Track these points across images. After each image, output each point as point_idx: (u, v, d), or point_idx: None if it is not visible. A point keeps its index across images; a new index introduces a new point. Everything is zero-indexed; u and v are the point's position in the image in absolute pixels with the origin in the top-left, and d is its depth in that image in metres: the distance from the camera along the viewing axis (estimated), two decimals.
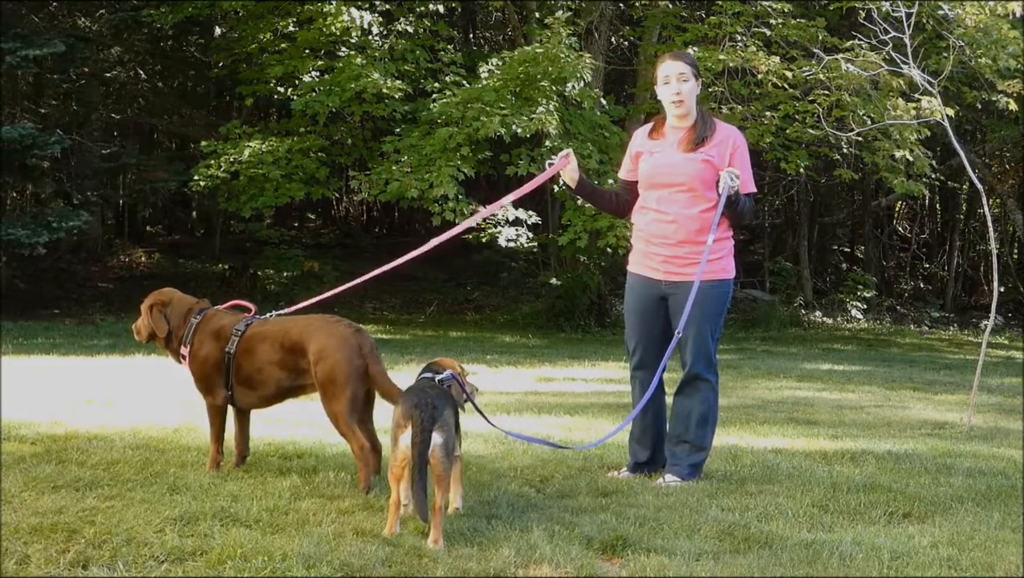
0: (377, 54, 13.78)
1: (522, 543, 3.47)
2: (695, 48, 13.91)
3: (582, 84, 13.43)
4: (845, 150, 15.15)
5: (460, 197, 13.14)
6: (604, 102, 14.75)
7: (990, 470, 5.07)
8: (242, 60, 15.51)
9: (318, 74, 14.21)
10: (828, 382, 9.50)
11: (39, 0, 15.97)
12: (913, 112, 10.55)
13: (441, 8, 15.45)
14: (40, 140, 13.35)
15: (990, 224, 8.45)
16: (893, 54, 8.28)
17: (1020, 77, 11.18)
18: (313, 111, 13.57)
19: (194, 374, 4.54)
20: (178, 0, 14.73)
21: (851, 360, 12.19)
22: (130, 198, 19.02)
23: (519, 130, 12.62)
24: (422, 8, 15.09)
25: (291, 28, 14.63)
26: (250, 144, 13.80)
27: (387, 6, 15.05)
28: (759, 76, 13.26)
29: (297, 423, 5.72)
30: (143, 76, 19.14)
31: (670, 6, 15.72)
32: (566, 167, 4.78)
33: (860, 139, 13.56)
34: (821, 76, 12.46)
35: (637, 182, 4.78)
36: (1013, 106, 12.45)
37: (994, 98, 13.03)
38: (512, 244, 14.16)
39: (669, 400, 4.89)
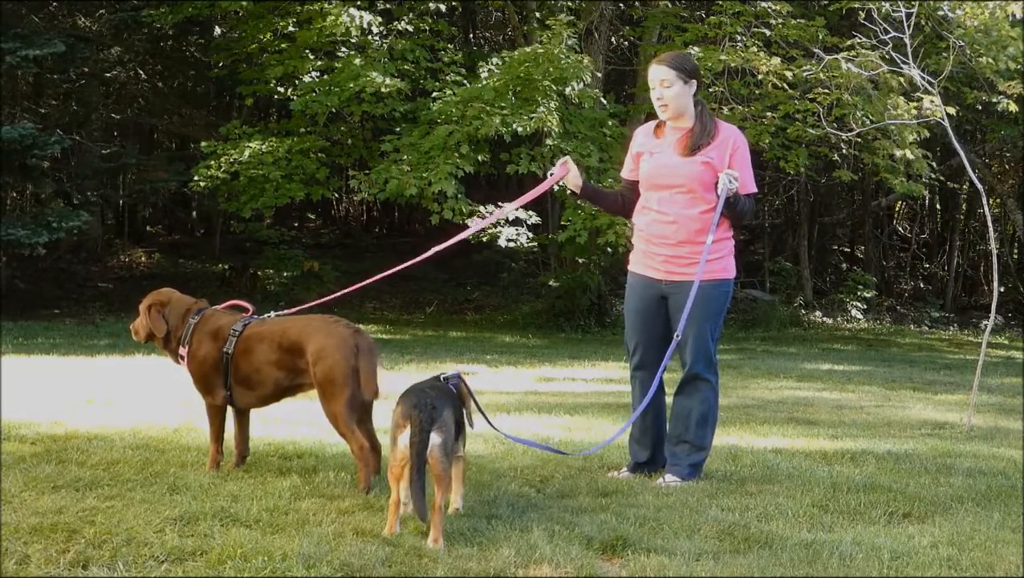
0: (376, 54, 13.77)
1: (522, 543, 3.47)
2: (695, 48, 13.92)
3: (581, 85, 13.43)
4: (845, 150, 15.15)
5: (459, 196, 13.14)
6: (604, 101, 14.75)
7: (990, 470, 5.07)
8: (242, 60, 15.51)
9: (318, 74, 14.22)
10: (828, 382, 9.50)
11: (39, 0, 15.97)
12: (914, 112, 10.55)
13: (443, 7, 15.45)
14: (40, 140, 13.35)
15: (990, 224, 8.44)
16: (893, 54, 8.28)
17: (1020, 78, 11.18)
18: (313, 111, 13.57)
19: (193, 374, 4.53)
20: (178, 0, 14.74)
21: (851, 360, 12.19)
22: (130, 198, 19.02)
23: (520, 129, 12.62)
24: (422, 7, 15.09)
25: (291, 28, 14.63)
26: (250, 144, 13.80)
27: (387, 5, 15.05)
28: (759, 76, 13.26)
29: (297, 423, 5.72)
30: (143, 76, 19.14)
31: (670, 6, 15.72)
32: (567, 174, 4.77)
33: (860, 140, 13.57)
34: (821, 76, 12.46)
35: (639, 181, 4.79)
36: (1013, 107, 12.44)
37: (994, 99, 13.03)
38: (512, 244, 14.16)
39: (669, 400, 4.89)
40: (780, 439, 5.91)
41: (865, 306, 19.14)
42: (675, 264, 4.63)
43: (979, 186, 8.74)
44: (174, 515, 3.65)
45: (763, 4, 13.75)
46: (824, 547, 3.55)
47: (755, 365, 10.83)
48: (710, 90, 14.01)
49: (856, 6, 12.65)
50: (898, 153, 13.46)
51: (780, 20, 13.69)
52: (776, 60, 13.12)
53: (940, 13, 12.07)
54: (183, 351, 4.51)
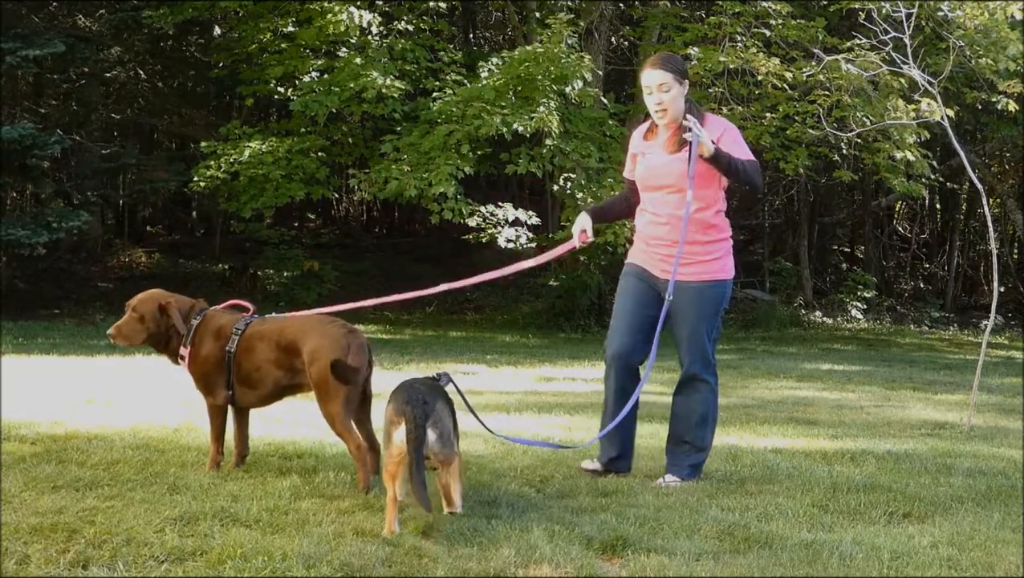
0: (376, 54, 13.77)
1: (522, 543, 3.47)
2: (695, 48, 13.92)
3: (581, 84, 13.44)
4: (845, 151, 15.15)
5: (459, 196, 13.15)
6: (605, 101, 14.75)
7: (990, 470, 5.06)
8: (242, 60, 15.51)
9: (318, 74, 14.22)
10: (828, 382, 9.50)
11: (39, 0, 15.97)
12: (913, 113, 10.55)
13: (444, 5, 15.45)
14: (40, 140, 13.35)
15: (990, 224, 8.44)
16: (893, 54, 8.28)
17: (1020, 79, 11.17)
18: (313, 111, 13.58)
19: (195, 374, 4.53)
20: (178, 0, 14.74)
21: (851, 360, 12.18)
22: (130, 198, 19.02)
23: (520, 128, 12.62)
24: (422, 7, 15.09)
25: (290, 28, 14.63)
26: (250, 144, 13.80)
27: (386, 8, 15.05)
28: (759, 77, 13.26)
29: (297, 423, 5.72)
30: (143, 76, 19.12)
31: (669, 6, 15.71)
32: (586, 236, 4.77)
33: (860, 140, 13.57)
34: (821, 76, 12.46)
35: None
36: (1013, 107, 12.44)
37: (994, 99, 13.03)
38: (512, 244, 14.17)
39: (653, 398, 4.86)
40: (780, 439, 5.91)
41: (865, 306, 19.14)
42: (671, 264, 4.58)
43: (979, 186, 8.74)
44: (174, 515, 3.65)
45: (763, 4, 13.75)
46: (824, 547, 3.55)
47: (755, 365, 10.83)
48: (710, 90, 14.02)
49: (856, 6, 12.65)
50: (899, 155, 13.47)
51: (780, 21, 13.69)
52: (776, 61, 13.12)
53: (940, 14, 12.06)
54: (184, 351, 4.50)
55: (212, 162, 13.87)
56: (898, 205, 24.20)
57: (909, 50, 7.81)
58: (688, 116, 4.49)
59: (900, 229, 25.01)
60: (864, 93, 12.93)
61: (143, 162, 17.08)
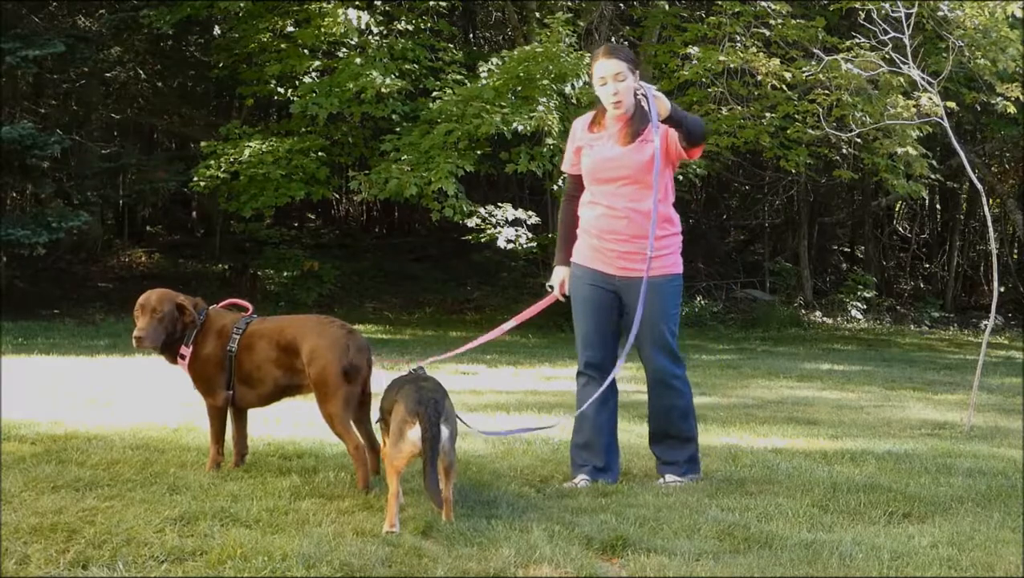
0: (377, 54, 13.78)
1: (522, 543, 3.46)
2: (695, 48, 13.93)
3: (581, 83, 13.44)
4: (845, 150, 15.15)
5: (459, 195, 13.14)
6: None
7: (990, 470, 5.06)
8: (242, 60, 15.51)
9: (317, 75, 14.21)
10: (828, 382, 9.50)
11: (39, 0, 15.97)
12: (913, 110, 10.55)
13: (444, 5, 15.45)
14: (40, 140, 13.35)
15: (990, 224, 8.44)
16: (893, 55, 8.28)
17: (1019, 80, 11.18)
18: (313, 112, 13.58)
19: (196, 374, 4.52)
20: (176, 0, 14.74)
21: (851, 360, 12.18)
22: (130, 198, 18.99)
23: (520, 128, 12.62)
24: (422, 7, 15.09)
25: (290, 28, 14.63)
26: (250, 144, 13.80)
27: (386, 7, 15.05)
28: (759, 77, 13.26)
29: (297, 423, 5.73)
30: (143, 76, 19.12)
31: (668, 7, 15.71)
32: (561, 283, 4.73)
33: (860, 140, 13.57)
34: (821, 76, 12.46)
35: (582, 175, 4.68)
36: (1012, 109, 12.43)
37: (993, 100, 13.03)
38: (512, 244, 14.17)
39: (624, 397, 4.84)
40: (780, 439, 5.91)
41: (865, 306, 19.14)
42: (629, 260, 4.49)
43: (979, 186, 8.74)
44: (174, 515, 3.65)
45: (763, 4, 13.75)
46: (824, 547, 3.55)
47: (755, 365, 10.82)
48: (710, 90, 14.02)
49: (856, 6, 12.65)
50: (899, 151, 13.44)
51: (780, 20, 13.69)
52: (775, 61, 13.12)
53: (940, 14, 12.06)
54: (185, 351, 4.49)
55: (212, 162, 13.87)
56: (898, 205, 24.20)
57: (908, 50, 7.81)
58: (641, 84, 4.43)
59: (900, 229, 25.01)
60: (864, 92, 12.92)
61: (143, 162, 17.09)
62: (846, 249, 24.22)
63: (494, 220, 14.02)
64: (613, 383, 4.63)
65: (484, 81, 13.20)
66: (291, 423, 5.73)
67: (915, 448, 5.67)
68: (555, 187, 14.32)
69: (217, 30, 16.78)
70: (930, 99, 7.87)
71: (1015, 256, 23.13)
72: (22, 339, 10.87)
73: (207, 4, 14.64)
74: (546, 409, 6.81)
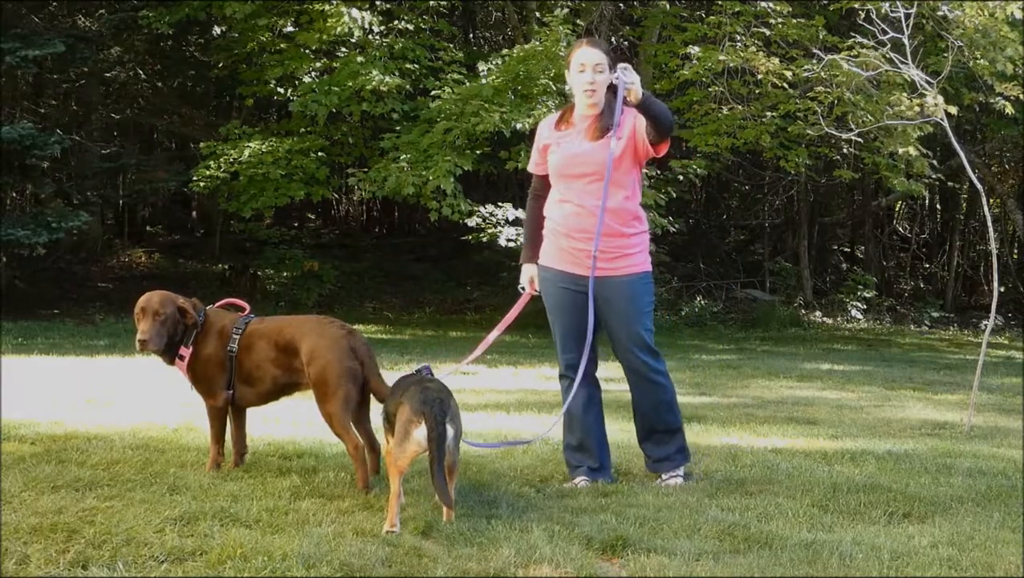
0: (377, 53, 13.78)
1: (522, 543, 3.47)
2: (695, 48, 13.92)
3: None
4: (845, 150, 15.14)
5: (457, 194, 13.15)
6: None
7: (990, 470, 5.06)
8: (242, 60, 15.51)
9: (317, 75, 14.21)
10: (828, 382, 9.49)
11: (39, 0, 15.97)
12: (916, 109, 10.54)
13: (444, 5, 15.44)
14: (40, 140, 13.34)
15: (990, 224, 8.43)
16: (893, 54, 8.28)
17: (1019, 80, 11.17)
18: (313, 111, 13.58)
19: (196, 375, 4.52)
20: (175, 1, 14.74)
21: (851, 360, 12.18)
22: (130, 198, 18.99)
23: (519, 126, 12.63)
24: (423, 7, 15.09)
25: (290, 28, 14.63)
26: (250, 144, 13.80)
27: (387, 5, 15.06)
28: (759, 76, 13.26)
29: (297, 423, 5.72)
30: (143, 76, 19.12)
31: (667, 7, 15.71)
32: (531, 280, 4.77)
33: (860, 139, 13.56)
34: (821, 75, 12.45)
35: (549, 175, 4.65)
36: (1010, 110, 12.42)
37: (991, 101, 13.02)
38: (512, 244, 14.16)
39: (611, 396, 4.84)
40: (780, 439, 5.91)
41: (865, 306, 19.13)
42: (600, 260, 4.46)
43: (979, 186, 8.74)
44: (174, 515, 3.65)
45: (763, 4, 13.75)
46: (824, 547, 3.55)
47: (755, 365, 10.82)
48: (710, 89, 14.01)
49: (856, 6, 12.66)
50: (900, 150, 13.43)
51: (780, 20, 13.68)
52: (776, 60, 13.12)
53: (940, 13, 12.06)
54: (185, 352, 4.49)
55: (212, 162, 13.87)
56: (898, 205, 24.19)
57: (908, 50, 7.81)
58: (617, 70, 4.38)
59: (900, 229, 24.99)
60: (865, 91, 12.92)
61: (143, 162, 17.07)
62: (846, 249, 24.21)
63: (494, 220, 14.02)
64: (597, 382, 4.65)
65: (484, 80, 13.20)
66: (291, 423, 5.73)
67: (915, 448, 5.67)
68: None
69: (217, 30, 16.79)
70: (934, 100, 7.86)
71: (1015, 256, 23.12)
72: (22, 339, 10.87)
73: (205, 5, 14.64)
74: (546, 409, 6.81)
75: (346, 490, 4.20)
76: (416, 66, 14.13)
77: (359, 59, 13.51)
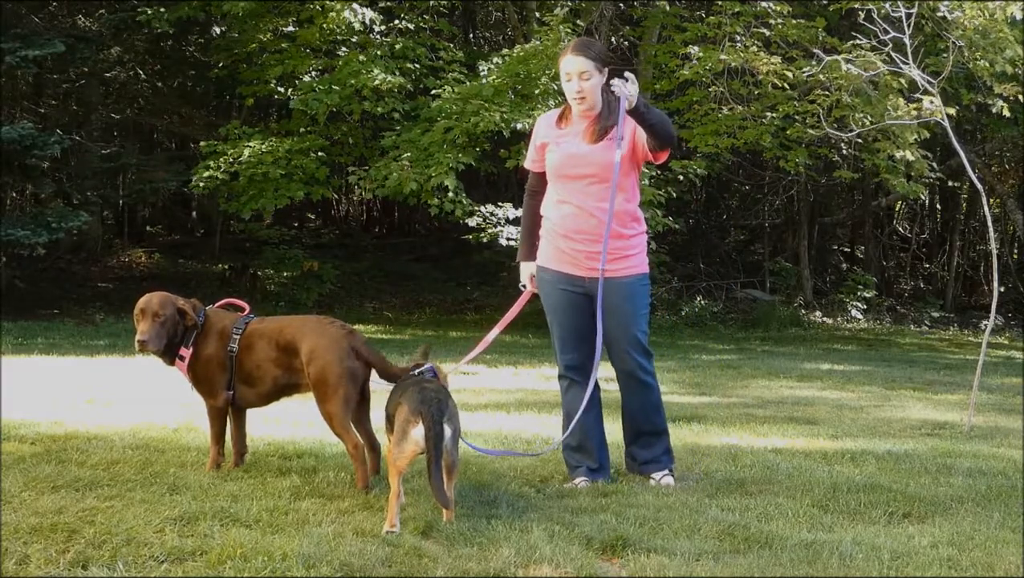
0: (379, 52, 13.79)
1: (522, 543, 3.47)
2: (695, 48, 13.92)
3: None
4: (845, 151, 15.14)
5: (459, 191, 13.15)
6: None
7: (990, 470, 5.06)
8: (242, 60, 15.51)
9: (317, 73, 14.21)
10: (828, 382, 9.49)
11: (39, 0, 15.97)
12: (915, 113, 10.54)
13: (444, 2, 15.44)
14: (40, 140, 13.34)
15: (990, 224, 8.43)
16: (893, 55, 8.28)
17: (1018, 80, 11.16)
18: (313, 110, 13.58)
19: (196, 375, 4.52)
20: (174, 0, 14.74)
21: (851, 360, 12.18)
22: (130, 198, 19.00)
23: (519, 126, 12.63)
24: (423, 6, 15.09)
25: (290, 28, 14.63)
26: (250, 144, 13.80)
27: (387, 3, 15.06)
28: (759, 76, 13.26)
29: (297, 423, 5.72)
30: (143, 76, 19.12)
31: (667, 7, 15.72)
32: (531, 277, 4.76)
33: (860, 140, 13.56)
34: (821, 77, 12.45)
35: (545, 172, 4.64)
36: (1007, 111, 12.42)
37: (990, 101, 13.01)
38: (512, 244, 14.17)
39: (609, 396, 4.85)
40: (780, 439, 5.91)
41: (865, 306, 19.13)
42: (598, 260, 4.45)
43: (979, 186, 8.74)
44: (174, 515, 3.65)
45: (763, 4, 13.75)
46: (824, 547, 3.55)
47: (755, 365, 10.82)
48: (710, 90, 14.01)
49: (856, 6, 12.66)
50: (899, 154, 13.45)
51: (780, 20, 13.69)
52: (776, 60, 13.12)
53: (940, 14, 12.06)
54: (185, 352, 4.49)
55: (212, 162, 13.87)
56: (898, 205, 24.19)
57: (909, 50, 7.80)
58: (613, 82, 4.30)
59: (900, 229, 24.99)
60: (864, 93, 12.92)
61: (143, 162, 17.08)
62: (846, 249, 24.21)
63: (495, 219, 14.02)
64: (597, 382, 4.65)
65: (484, 80, 13.21)
66: (291, 423, 5.73)
67: (915, 448, 5.67)
68: None
69: (217, 30, 16.80)
70: (932, 101, 7.86)
71: (1015, 256, 23.12)
72: (22, 339, 10.87)
73: (203, 4, 14.63)
74: (546, 409, 6.80)
75: (346, 490, 4.20)
76: (416, 65, 14.13)
77: (360, 58, 13.51)
